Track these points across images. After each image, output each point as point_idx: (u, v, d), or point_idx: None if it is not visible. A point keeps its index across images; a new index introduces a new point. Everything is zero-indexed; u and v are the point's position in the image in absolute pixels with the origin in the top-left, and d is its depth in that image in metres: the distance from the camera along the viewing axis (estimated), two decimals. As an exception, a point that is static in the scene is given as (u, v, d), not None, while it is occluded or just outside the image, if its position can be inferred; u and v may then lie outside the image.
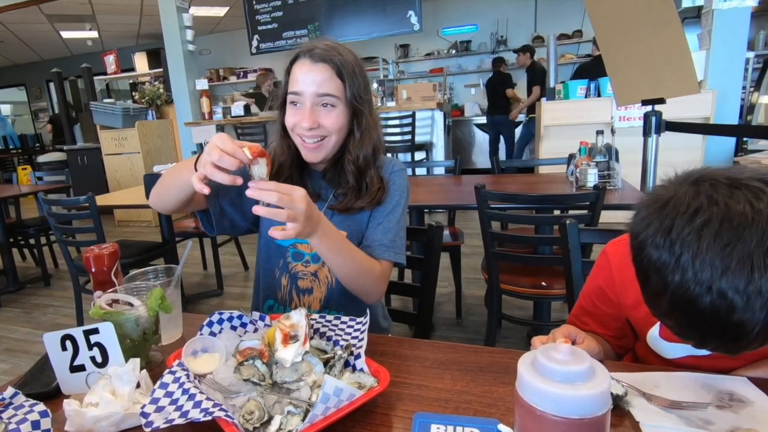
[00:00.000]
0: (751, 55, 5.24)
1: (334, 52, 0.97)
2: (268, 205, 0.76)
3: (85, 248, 0.88)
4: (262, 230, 1.13)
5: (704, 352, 0.68)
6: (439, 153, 5.04)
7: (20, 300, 3.46)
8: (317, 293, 1.10)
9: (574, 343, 0.75)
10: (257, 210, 0.77)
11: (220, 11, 7.21)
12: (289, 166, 1.07)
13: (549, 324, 2.13)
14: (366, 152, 1.04)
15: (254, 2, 4.90)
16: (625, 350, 0.87)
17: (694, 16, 4.97)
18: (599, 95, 4.32)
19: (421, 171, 4.75)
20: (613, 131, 2.18)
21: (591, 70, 4.47)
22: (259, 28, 4.96)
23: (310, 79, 0.96)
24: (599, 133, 2.23)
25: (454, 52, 7.78)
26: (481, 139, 7.19)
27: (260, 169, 0.80)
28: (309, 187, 1.09)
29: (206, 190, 0.79)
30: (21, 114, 11.18)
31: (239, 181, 0.78)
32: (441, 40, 7.81)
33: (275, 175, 1.06)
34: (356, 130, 1.04)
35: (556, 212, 2.37)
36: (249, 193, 0.76)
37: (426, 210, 3.31)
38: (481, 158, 7.39)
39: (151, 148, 5.43)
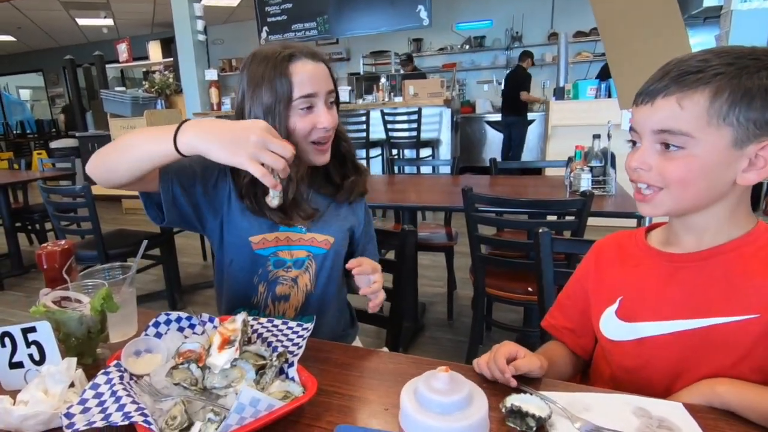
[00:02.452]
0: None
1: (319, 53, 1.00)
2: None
3: (42, 245, 0.89)
4: (227, 236, 1.02)
5: (648, 333, 0.74)
6: (445, 150, 5.00)
7: (23, 284, 3.54)
8: (293, 300, 1.07)
9: (514, 359, 0.73)
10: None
11: (232, 1, 7.21)
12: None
13: (536, 330, 2.10)
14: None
15: (264, -6, 4.91)
16: (584, 351, 0.89)
17: (716, 15, 4.82)
18: (610, 96, 4.24)
19: (426, 169, 4.73)
20: (609, 135, 2.13)
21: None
22: (269, 20, 4.97)
23: (319, 76, 0.96)
24: (596, 137, 2.18)
25: (467, 47, 7.68)
26: (492, 137, 7.08)
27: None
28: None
29: (279, 187, 0.81)
30: (39, 99, 11.41)
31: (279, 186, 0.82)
32: (455, 35, 7.72)
33: None
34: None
35: (552, 218, 2.32)
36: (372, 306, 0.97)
37: (421, 210, 3.28)
38: (491, 156, 7.28)
39: (160, 137, 5.49)
